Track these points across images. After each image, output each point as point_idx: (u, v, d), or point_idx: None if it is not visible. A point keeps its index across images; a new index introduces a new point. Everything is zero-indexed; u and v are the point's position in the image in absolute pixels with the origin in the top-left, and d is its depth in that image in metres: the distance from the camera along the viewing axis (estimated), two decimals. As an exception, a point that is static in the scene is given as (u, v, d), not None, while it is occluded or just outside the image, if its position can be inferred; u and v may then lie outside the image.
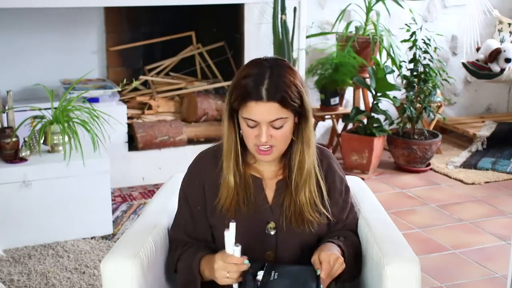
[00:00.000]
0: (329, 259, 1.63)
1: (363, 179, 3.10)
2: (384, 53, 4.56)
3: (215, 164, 1.76)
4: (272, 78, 1.64)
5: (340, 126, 4.80)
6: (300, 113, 1.70)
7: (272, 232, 1.73)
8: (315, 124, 4.72)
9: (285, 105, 1.64)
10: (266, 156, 1.70)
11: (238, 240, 1.67)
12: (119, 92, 4.15)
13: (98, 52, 4.35)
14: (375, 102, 4.38)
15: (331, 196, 1.79)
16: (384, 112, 4.38)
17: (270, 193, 1.76)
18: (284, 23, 4.18)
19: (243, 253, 1.62)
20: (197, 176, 1.78)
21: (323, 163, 1.81)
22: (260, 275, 1.66)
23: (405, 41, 4.48)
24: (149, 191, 4.01)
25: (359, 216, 1.93)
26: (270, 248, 1.73)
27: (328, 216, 1.75)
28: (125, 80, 3.81)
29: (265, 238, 1.73)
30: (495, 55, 4.65)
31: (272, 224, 1.73)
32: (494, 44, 4.74)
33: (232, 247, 1.60)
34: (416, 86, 4.43)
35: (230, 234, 1.60)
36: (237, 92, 1.66)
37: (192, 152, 1.88)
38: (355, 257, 1.79)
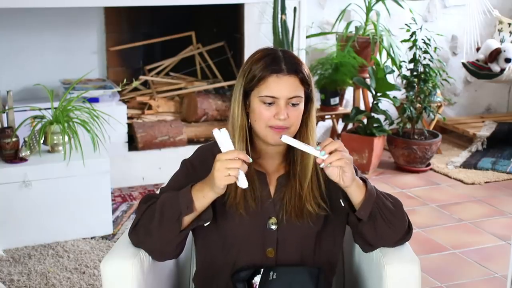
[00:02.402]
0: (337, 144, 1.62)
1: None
2: (384, 53, 4.56)
3: None
4: (286, 56, 1.70)
5: (340, 126, 4.80)
6: (308, 99, 1.73)
7: (274, 227, 1.73)
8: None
9: (303, 82, 1.69)
10: (278, 135, 1.66)
11: (241, 236, 1.68)
12: (119, 92, 4.15)
13: (98, 52, 4.35)
14: (375, 102, 4.38)
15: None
16: (384, 112, 4.38)
17: (272, 188, 1.77)
18: (284, 23, 4.18)
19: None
20: (209, 166, 1.69)
21: None
22: (257, 278, 1.66)
23: (405, 41, 4.48)
24: (149, 191, 4.01)
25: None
26: (271, 244, 1.73)
27: (327, 209, 1.75)
28: (125, 80, 3.81)
29: (267, 234, 1.73)
30: (495, 55, 4.65)
31: (273, 220, 1.73)
32: (494, 44, 4.74)
33: (227, 146, 1.59)
34: (416, 86, 4.43)
35: (222, 137, 1.59)
36: (253, 72, 1.68)
37: (192, 152, 1.86)
38: (383, 200, 1.72)
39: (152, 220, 1.67)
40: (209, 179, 1.62)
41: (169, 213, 1.65)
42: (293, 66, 1.67)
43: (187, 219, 1.66)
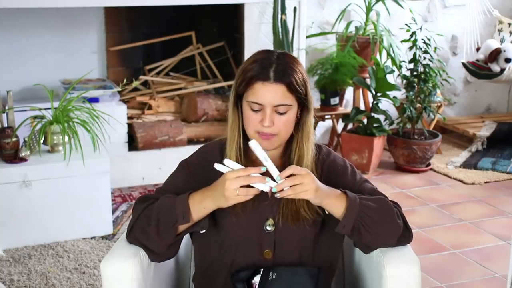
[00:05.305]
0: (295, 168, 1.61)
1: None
2: (384, 53, 4.56)
3: (222, 157, 1.75)
4: (280, 62, 1.68)
5: (340, 126, 4.80)
6: (303, 104, 1.72)
7: (270, 229, 1.72)
8: (315, 124, 4.72)
9: (291, 90, 1.66)
10: (267, 142, 1.68)
11: (238, 237, 1.67)
12: (119, 92, 4.15)
13: (98, 52, 4.35)
14: (375, 102, 4.38)
15: (342, 185, 1.75)
16: (384, 112, 4.38)
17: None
18: (284, 23, 4.18)
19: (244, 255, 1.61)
20: (206, 167, 1.72)
21: (325, 160, 1.80)
22: (257, 278, 1.66)
23: (405, 41, 4.48)
24: (149, 191, 4.01)
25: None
26: (268, 246, 1.72)
27: (321, 213, 1.73)
28: (125, 80, 3.81)
29: (264, 235, 1.72)
30: (495, 55, 4.65)
31: (270, 221, 1.73)
32: (494, 44, 4.74)
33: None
34: (416, 86, 4.43)
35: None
36: (244, 75, 1.68)
37: (192, 152, 1.86)
38: (369, 206, 1.69)
39: (149, 224, 1.68)
40: (212, 191, 1.62)
41: (165, 220, 1.66)
42: (281, 74, 1.65)
43: (183, 226, 1.68)
